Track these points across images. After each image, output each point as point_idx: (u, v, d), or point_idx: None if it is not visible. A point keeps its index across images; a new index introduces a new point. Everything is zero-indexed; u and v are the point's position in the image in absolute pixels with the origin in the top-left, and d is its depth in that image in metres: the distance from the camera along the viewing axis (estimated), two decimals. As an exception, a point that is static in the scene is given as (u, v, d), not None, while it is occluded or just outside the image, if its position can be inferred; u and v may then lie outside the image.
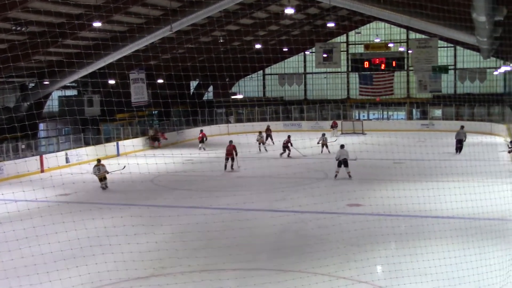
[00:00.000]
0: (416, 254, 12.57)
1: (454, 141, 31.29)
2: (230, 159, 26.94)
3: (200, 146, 35.52)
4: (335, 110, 50.08)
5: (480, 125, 42.11)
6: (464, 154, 26.28)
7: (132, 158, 28.14)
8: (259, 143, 34.38)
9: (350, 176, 23.26)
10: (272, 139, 36.52)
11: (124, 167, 22.11)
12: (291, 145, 30.53)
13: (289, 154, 30.60)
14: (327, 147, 31.71)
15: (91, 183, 22.60)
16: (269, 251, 14.10)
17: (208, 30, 33.27)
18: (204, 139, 35.97)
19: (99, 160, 23.16)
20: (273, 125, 45.30)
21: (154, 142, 38.22)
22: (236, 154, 26.90)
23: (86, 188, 22.12)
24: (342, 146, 23.88)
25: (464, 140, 31.14)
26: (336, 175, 23.41)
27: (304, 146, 28.44)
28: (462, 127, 32.57)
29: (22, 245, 12.30)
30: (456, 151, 30.77)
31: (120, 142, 34.72)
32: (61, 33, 24.44)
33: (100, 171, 22.72)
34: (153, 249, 13.51)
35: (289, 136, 31.35)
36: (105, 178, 22.79)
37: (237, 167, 26.93)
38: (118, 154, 33.70)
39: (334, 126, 43.54)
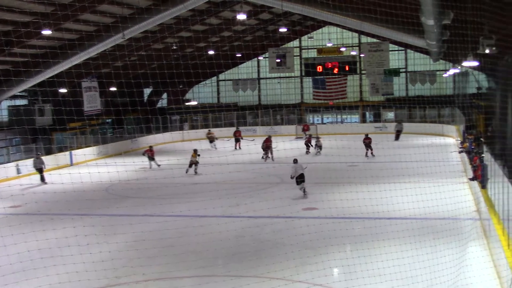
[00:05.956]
0: (370, 256, 12.69)
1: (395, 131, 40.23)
2: (269, 151, 31.37)
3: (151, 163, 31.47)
4: (289, 115, 50.36)
5: (432, 126, 42.95)
6: (416, 155, 26.72)
7: (84, 167, 27.71)
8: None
9: None
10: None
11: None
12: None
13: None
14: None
15: (41, 194, 22.10)
16: (225, 257, 14.03)
17: (160, 37, 33.02)
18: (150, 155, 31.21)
19: (195, 150, 28.09)
20: (227, 131, 45.31)
21: (236, 143, 38.54)
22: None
23: (36, 199, 21.63)
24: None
25: (401, 131, 40.13)
26: None
27: (250, 152, 28.74)
28: (400, 121, 42.27)
29: (-31, 260, 11.93)
30: (395, 139, 39.02)
31: (73, 152, 34.16)
32: (7, 41, 23.89)
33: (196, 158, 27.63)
34: (106, 258, 13.27)
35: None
36: (196, 163, 27.52)
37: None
38: (71, 164, 33.13)
39: (305, 130, 43.67)
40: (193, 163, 27.71)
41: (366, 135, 32.31)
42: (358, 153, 31.21)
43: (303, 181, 20.62)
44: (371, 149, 31.38)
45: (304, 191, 20.54)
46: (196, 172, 27.45)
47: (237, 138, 38.62)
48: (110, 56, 33.10)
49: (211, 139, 39.60)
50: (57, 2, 22.30)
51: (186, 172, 27.41)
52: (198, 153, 27.82)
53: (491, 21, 16.33)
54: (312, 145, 33.94)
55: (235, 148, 37.85)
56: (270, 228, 16.10)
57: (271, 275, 11.91)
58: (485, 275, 11.46)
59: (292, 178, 20.73)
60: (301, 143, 34.75)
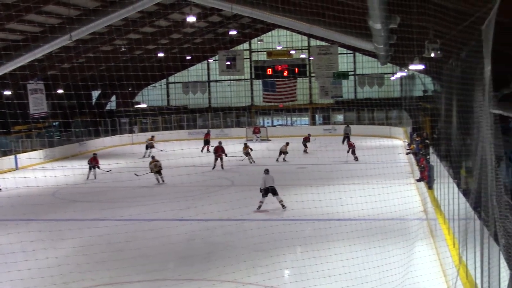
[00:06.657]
0: (320, 257, 12.78)
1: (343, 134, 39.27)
2: (219, 159, 29.16)
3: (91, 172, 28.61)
4: (239, 117, 50.43)
5: (380, 128, 43.70)
6: (364, 157, 27.19)
7: (29, 171, 27.07)
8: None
9: None
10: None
11: None
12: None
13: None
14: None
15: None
16: (176, 260, 13.93)
17: (108, 39, 32.54)
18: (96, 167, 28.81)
19: (153, 157, 26.65)
20: (177, 133, 45.03)
21: (205, 146, 37.53)
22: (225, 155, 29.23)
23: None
24: None
25: (350, 134, 38.52)
26: None
27: (183, 155, 28.52)
28: (348, 124, 42.02)
29: None
30: (343, 142, 36.74)
31: (19, 155, 33.37)
32: None
33: (157, 166, 25.62)
34: (53, 264, 12.96)
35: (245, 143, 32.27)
36: (160, 172, 25.54)
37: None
38: (16, 168, 32.34)
39: (256, 132, 43.74)
40: (152, 169, 25.86)
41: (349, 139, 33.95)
42: (307, 156, 31.48)
43: (275, 193, 19.22)
44: (354, 153, 31.04)
45: (282, 205, 19.28)
46: (163, 181, 25.81)
47: (207, 140, 38.21)
48: (56, 58, 32.34)
49: (150, 146, 36.41)
50: (0, 2, 21.74)
51: (136, 176, 25.78)
52: (160, 167, 25.73)
53: (435, 26, 16.71)
54: (308, 146, 34.03)
55: (202, 151, 37.10)
56: (221, 231, 16.07)
57: (222, 278, 11.89)
58: (431, 273, 11.71)
59: (261, 191, 19.34)
60: (252, 145, 34.76)
